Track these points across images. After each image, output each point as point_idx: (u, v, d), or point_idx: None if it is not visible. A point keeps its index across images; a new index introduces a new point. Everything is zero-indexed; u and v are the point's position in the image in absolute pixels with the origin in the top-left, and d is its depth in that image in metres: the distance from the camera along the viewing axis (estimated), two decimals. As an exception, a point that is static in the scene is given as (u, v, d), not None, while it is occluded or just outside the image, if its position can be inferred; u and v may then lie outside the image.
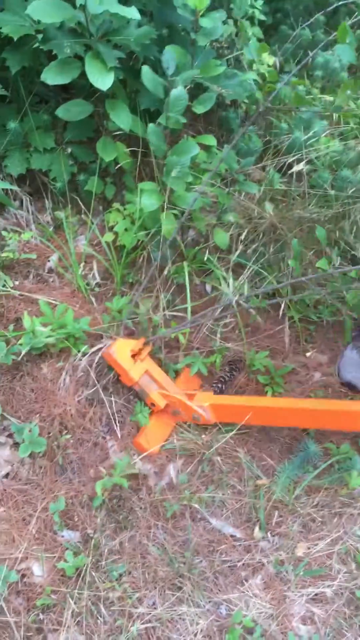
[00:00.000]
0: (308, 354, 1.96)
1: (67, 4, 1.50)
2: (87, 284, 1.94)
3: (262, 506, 1.56)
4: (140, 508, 1.56)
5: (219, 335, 1.84)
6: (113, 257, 1.92)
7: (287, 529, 1.55)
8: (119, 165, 1.89)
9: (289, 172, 1.95)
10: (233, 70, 1.84)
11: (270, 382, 1.84)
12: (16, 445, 1.63)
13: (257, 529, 1.54)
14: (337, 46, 1.95)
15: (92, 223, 1.97)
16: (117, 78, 1.67)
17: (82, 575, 1.43)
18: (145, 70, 1.60)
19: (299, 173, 1.93)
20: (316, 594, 1.46)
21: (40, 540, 1.50)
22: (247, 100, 2.06)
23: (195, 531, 1.53)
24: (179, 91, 1.60)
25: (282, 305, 1.83)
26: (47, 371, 1.74)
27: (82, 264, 1.97)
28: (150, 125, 1.63)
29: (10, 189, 1.99)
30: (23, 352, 1.66)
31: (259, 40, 2.09)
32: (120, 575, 1.45)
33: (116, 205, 1.97)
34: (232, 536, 1.53)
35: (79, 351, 1.69)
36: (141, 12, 1.60)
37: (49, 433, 1.63)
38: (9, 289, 1.88)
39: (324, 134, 1.97)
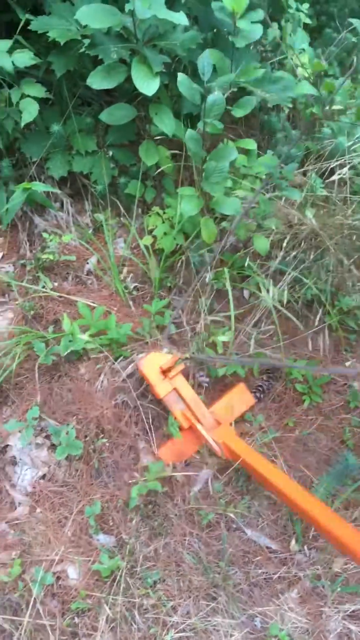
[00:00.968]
0: (347, 364, 1.92)
1: (115, 9, 1.50)
2: (125, 287, 1.94)
3: (299, 519, 1.54)
4: (175, 515, 1.55)
5: (253, 341, 1.82)
6: (151, 260, 1.92)
7: (323, 543, 1.52)
8: (160, 169, 1.88)
9: (331, 178, 1.92)
10: (278, 73, 1.82)
11: (308, 392, 1.81)
12: (53, 446, 1.64)
13: (293, 541, 1.51)
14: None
15: (133, 226, 1.97)
16: (161, 82, 1.66)
17: (117, 581, 1.43)
18: (182, 78, 1.59)
19: (341, 179, 1.89)
20: (353, 611, 1.43)
21: (75, 543, 1.50)
22: (291, 105, 2.03)
23: (231, 541, 1.52)
24: (215, 96, 1.58)
25: (320, 313, 1.80)
26: (84, 372, 1.75)
27: (120, 267, 1.98)
28: (189, 131, 1.62)
29: (51, 192, 2.01)
30: (63, 355, 1.68)
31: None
32: (155, 582, 1.44)
33: (155, 209, 1.97)
34: (267, 548, 1.51)
35: (118, 356, 1.70)
36: (187, 15, 1.60)
37: (86, 436, 1.64)
38: (49, 291, 1.89)
39: (368, 139, 1.93)
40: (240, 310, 1.88)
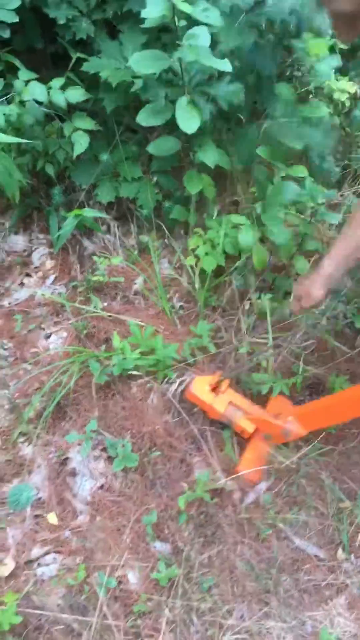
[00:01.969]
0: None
1: (164, 55, 1.61)
2: (172, 306, 2.05)
3: (345, 529, 1.62)
4: (227, 524, 1.65)
5: (295, 357, 1.90)
6: (196, 280, 2.02)
7: (370, 551, 1.60)
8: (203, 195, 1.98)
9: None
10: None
11: (349, 405, 1.89)
12: (109, 459, 1.76)
13: (340, 550, 1.60)
14: None
15: (177, 249, 2.07)
16: (204, 120, 1.75)
17: (174, 586, 1.53)
18: None
19: (379, 199, 1.97)
20: None
21: (134, 550, 1.61)
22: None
23: (280, 550, 1.61)
24: None
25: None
26: (136, 390, 1.86)
27: (166, 287, 2.08)
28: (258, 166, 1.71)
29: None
30: (115, 374, 1.79)
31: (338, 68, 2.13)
32: (210, 587, 1.54)
33: (198, 230, 2.07)
34: (316, 556, 1.60)
35: (165, 376, 1.80)
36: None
37: (140, 449, 1.75)
38: (99, 311, 2.01)
39: None
40: (283, 332, 1.96)
